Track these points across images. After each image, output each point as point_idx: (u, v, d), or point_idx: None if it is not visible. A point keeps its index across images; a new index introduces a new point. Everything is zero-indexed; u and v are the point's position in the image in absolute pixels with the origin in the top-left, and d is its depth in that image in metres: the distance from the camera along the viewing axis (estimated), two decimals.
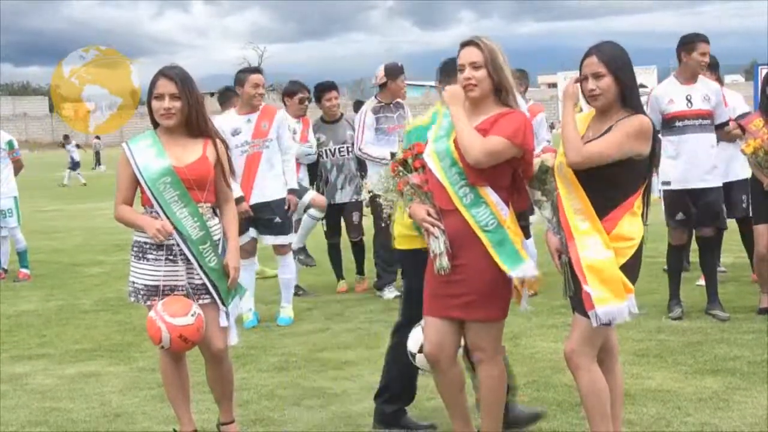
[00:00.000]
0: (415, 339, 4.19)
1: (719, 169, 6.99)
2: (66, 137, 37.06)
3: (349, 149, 8.36)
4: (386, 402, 4.66)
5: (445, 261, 3.86)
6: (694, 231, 7.05)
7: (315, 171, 8.43)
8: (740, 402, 4.85)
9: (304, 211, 8.13)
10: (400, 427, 4.63)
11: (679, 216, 6.78)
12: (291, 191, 7.28)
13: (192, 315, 4.06)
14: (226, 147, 4.43)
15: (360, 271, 8.69)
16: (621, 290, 3.67)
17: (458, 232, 3.87)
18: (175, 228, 4.17)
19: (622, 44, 3.87)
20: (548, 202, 3.92)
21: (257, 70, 7.43)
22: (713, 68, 7.45)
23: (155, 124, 4.31)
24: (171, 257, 4.20)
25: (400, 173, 4.12)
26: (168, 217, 4.18)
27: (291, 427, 4.80)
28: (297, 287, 8.01)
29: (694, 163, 6.69)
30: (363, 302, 8.07)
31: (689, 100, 6.67)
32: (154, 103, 4.20)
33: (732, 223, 7.69)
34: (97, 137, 49.78)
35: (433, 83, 8.37)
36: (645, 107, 6.78)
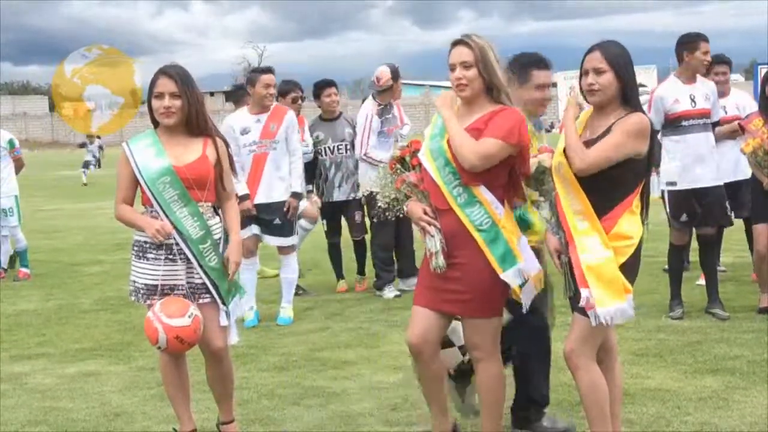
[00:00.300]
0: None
1: (723, 168, 7.02)
2: (90, 137, 37.04)
3: (348, 147, 8.36)
4: (521, 406, 4.58)
5: (441, 260, 3.88)
6: (694, 230, 7.05)
7: (312, 170, 8.43)
8: (740, 401, 4.85)
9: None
10: (536, 428, 4.55)
11: (683, 218, 6.76)
12: (293, 195, 7.28)
13: (189, 316, 4.06)
14: (227, 145, 4.43)
15: (361, 270, 8.69)
16: (621, 291, 3.67)
17: (454, 231, 3.88)
18: (175, 227, 4.17)
19: (621, 43, 3.89)
20: (546, 202, 3.92)
21: (269, 70, 7.41)
22: (728, 66, 7.54)
23: (155, 123, 4.31)
24: (170, 256, 4.20)
25: (398, 171, 4.13)
26: (168, 217, 4.18)
27: (291, 426, 4.81)
28: (297, 287, 8.01)
29: (702, 162, 6.71)
30: (363, 302, 8.07)
31: (693, 100, 6.70)
32: (154, 102, 4.20)
33: (736, 222, 7.68)
34: (98, 137, 49.77)
35: (432, 83, 8.42)
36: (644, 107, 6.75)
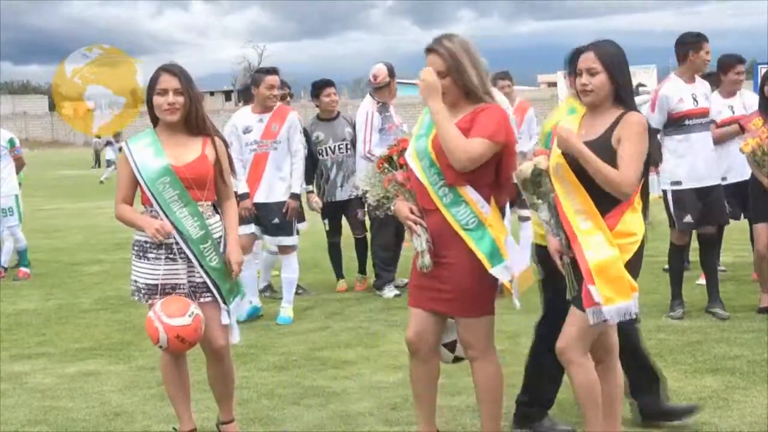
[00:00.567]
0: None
1: (733, 167, 7.04)
2: (117, 135, 37.04)
3: (348, 147, 8.36)
4: (526, 404, 4.57)
5: (427, 259, 3.90)
6: (694, 229, 7.04)
7: (312, 170, 8.42)
8: (740, 401, 4.86)
9: None
10: (536, 428, 4.54)
11: (687, 218, 6.73)
12: (293, 196, 7.28)
13: (189, 315, 4.06)
14: (226, 145, 4.43)
15: (362, 270, 8.69)
16: (627, 289, 3.67)
17: (441, 230, 3.89)
18: (176, 228, 4.17)
19: (621, 43, 3.89)
20: (544, 204, 3.91)
21: (274, 71, 7.43)
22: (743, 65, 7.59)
23: (154, 122, 4.30)
24: (171, 256, 4.20)
25: (386, 170, 4.14)
26: (168, 217, 4.18)
27: (290, 425, 4.81)
28: (297, 286, 8.02)
29: (706, 161, 6.73)
30: (363, 301, 8.07)
31: (695, 99, 6.72)
32: (157, 99, 4.18)
33: (738, 222, 7.68)
34: (98, 136, 49.79)
35: None
36: (643, 107, 6.78)
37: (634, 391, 4.54)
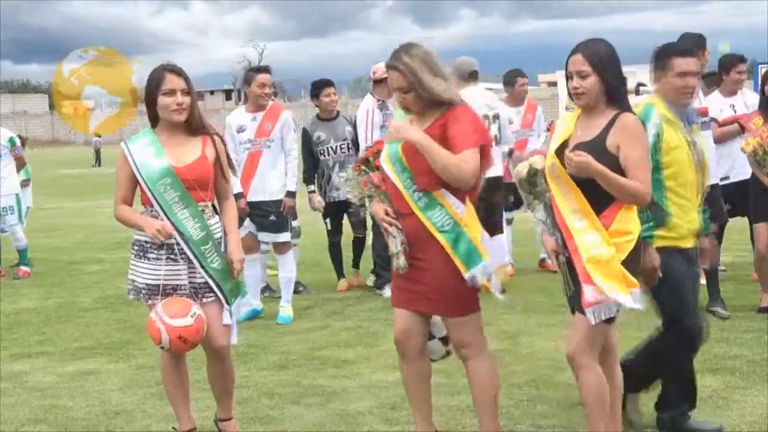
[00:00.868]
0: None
1: (735, 166, 7.06)
2: None
3: (349, 146, 8.36)
4: (665, 406, 4.48)
5: (402, 261, 3.93)
6: None
7: (314, 170, 8.41)
8: (740, 401, 4.86)
9: None
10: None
11: None
12: (288, 194, 7.29)
13: (191, 316, 4.06)
14: (223, 142, 4.43)
15: (356, 264, 8.72)
16: (624, 285, 3.66)
17: (417, 232, 3.91)
18: (177, 229, 4.17)
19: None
20: (540, 204, 3.91)
21: (265, 69, 7.44)
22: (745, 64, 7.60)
23: (154, 123, 4.29)
24: (172, 256, 4.19)
25: (363, 172, 4.16)
26: (169, 218, 4.17)
27: (290, 425, 4.81)
28: (297, 283, 8.03)
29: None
30: (363, 300, 8.07)
31: (699, 99, 6.76)
32: (164, 99, 4.16)
33: (738, 221, 7.68)
34: (98, 135, 49.82)
35: None
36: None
37: (664, 404, 4.46)
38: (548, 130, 7.91)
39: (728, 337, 6.16)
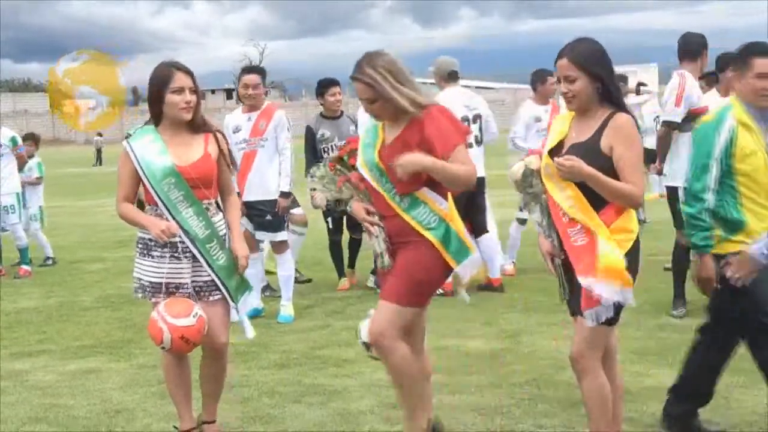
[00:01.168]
0: (366, 328, 4.13)
1: None
2: None
3: None
4: (675, 401, 4.47)
5: (386, 259, 3.96)
6: None
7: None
8: (740, 400, 4.86)
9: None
10: (685, 429, 4.44)
11: None
12: (282, 194, 7.29)
13: (194, 316, 4.06)
14: (225, 139, 4.43)
15: (351, 265, 8.73)
16: (625, 280, 3.64)
17: (401, 231, 3.93)
18: (182, 228, 4.17)
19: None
20: (537, 205, 3.90)
21: (252, 69, 7.49)
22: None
23: (157, 121, 4.29)
24: (175, 254, 4.19)
25: (338, 171, 4.16)
26: (174, 217, 4.17)
27: (291, 424, 4.81)
28: (294, 270, 8.04)
29: None
30: (364, 300, 8.07)
31: (699, 97, 6.79)
32: (173, 97, 4.15)
33: None
34: (99, 134, 49.86)
35: (432, 81, 8.42)
36: (645, 105, 6.73)
37: (678, 394, 4.46)
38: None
39: None
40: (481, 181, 7.78)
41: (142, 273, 4.26)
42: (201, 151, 4.24)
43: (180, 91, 4.14)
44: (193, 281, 4.22)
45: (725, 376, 5.25)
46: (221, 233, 4.29)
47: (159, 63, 4.29)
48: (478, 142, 8.07)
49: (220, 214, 4.36)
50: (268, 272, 9.03)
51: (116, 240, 12.76)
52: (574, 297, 3.77)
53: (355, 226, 8.58)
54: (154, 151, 4.21)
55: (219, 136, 4.34)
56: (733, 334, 4.28)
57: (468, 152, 3.92)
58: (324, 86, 8.52)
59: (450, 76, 8.07)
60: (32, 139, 11.63)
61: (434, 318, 6.88)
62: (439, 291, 7.62)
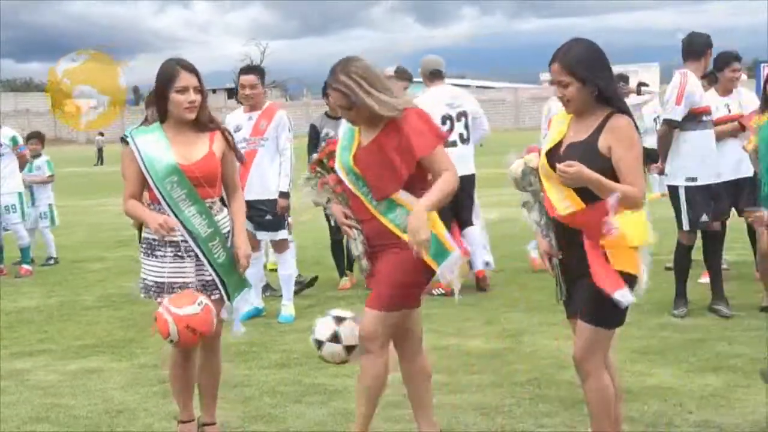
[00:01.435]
0: (324, 326, 4.13)
1: (726, 166, 7.06)
2: None
3: None
4: None
5: (364, 263, 3.99)
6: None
7: None
8: (742, 400, 4.85)
9: None
10: None
11: (704, 218, 6.72)
12: (281, 194, 7.29)
13: (198, 304, 4.03)
14: (231, 136, 4.42)
15: (350, 267, 8.74)
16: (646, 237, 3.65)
17: (379, 234, 3.95)
18: (184, 226, 4.16)
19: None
20: (536, 204, 3.89)
21: (250, 69, 7.48)
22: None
23: (162, 118, 4.28)
24: (178, 254, 4.19)
25: (318, 173, 4.17)
26: (176, 216, 4.17)
27: (292, 423, 4.81)
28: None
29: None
30: (364, 299, 8.01)
31: (701, 97, 6.80)
32: (177, 96, 4.13)
33: (738, 221, 7.67)
34: (101, 134, 49.88)
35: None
36: (646, 105, 6.73)
37: None
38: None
39: (730, 336, 6.16)
40: (470, 178, 7.79)
41: (147, 273, 4.26)
42: (205, 149, 4.24)
43: (184, 90, 4.13)
44: (198, 279, 4.22)
45: (725, 376, 5.27)
46: (225, 231, 4.29)
47: (166, 60, 4.27)
48: (464, 140, 8.02)
49: (225, 211, 4.35)
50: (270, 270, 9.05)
51: (118, 240, 12.77)
52: (573, 298, 3.76)
53: (339, 228, 8.58)
54: (158, 149, 4.20)
55: (225, 133, 4.33)
56: None
57: (447, 153, 3.92)
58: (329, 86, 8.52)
59: (433, 75, 8.04)
60: (37, 137, 11.66)
61: (435, 317, 6.90)
62: (440, 291, 7.67)
